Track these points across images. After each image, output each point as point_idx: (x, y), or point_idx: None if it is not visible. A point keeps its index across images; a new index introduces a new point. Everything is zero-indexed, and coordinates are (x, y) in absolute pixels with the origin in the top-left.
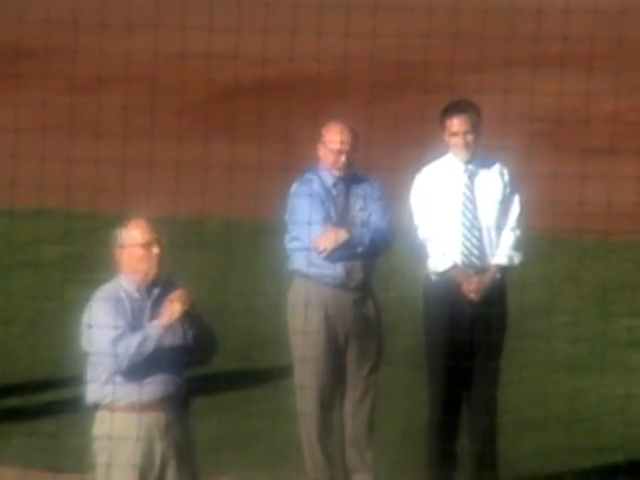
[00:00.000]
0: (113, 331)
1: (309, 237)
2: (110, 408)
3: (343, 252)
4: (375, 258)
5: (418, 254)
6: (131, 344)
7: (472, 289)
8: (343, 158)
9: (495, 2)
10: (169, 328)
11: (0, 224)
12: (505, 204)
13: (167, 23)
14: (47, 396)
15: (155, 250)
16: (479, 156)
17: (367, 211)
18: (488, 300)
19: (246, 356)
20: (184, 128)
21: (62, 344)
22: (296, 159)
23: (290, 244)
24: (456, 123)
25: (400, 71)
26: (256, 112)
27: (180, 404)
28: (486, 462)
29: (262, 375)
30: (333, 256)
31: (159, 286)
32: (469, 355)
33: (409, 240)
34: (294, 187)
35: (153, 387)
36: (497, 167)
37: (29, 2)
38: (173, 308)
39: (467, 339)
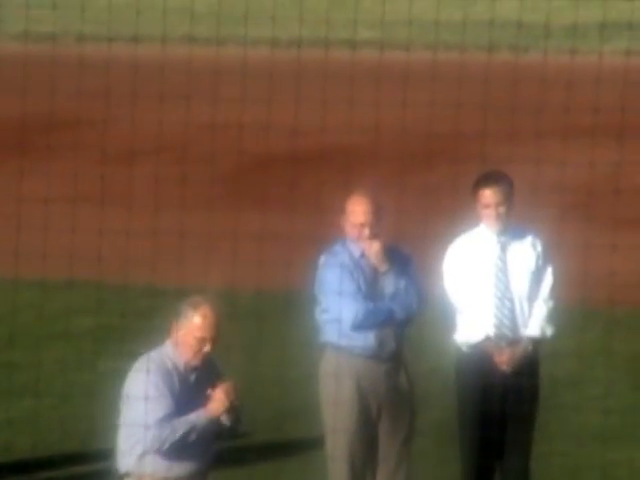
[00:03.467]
0: (161, 409)
1: (339, 309)
2: (139, 479)
3: (373, 322)
4: (405, 327)
5: (449, 325)
6: (177, 430)
7: (504, 361)
8: (366, 231)
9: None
10: (214, 418)
11: (32, 295)
12: (537, 275)
13: (199, 94)
14: (78, 469)
15: (207, 347)
16: (511, 227)
17: (396, 281)
18: (520, 372)
19: (277, 427)
20: (215, 199)
21: (93, 416)
22: (328, 229)
23: (321, 316)
24: (488, 195)
25: (431, 141)
26: (287, 182)
27: (203, 477)
28: None
29: (293, 446)
30: (364, 326)
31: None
32: (501, 427)
33: (440, 311)
34: (322, 259)
35: (184, 464)
36: (530, 238)
37: (61, 74)
38: (221, 401)
39: (499, 411)
